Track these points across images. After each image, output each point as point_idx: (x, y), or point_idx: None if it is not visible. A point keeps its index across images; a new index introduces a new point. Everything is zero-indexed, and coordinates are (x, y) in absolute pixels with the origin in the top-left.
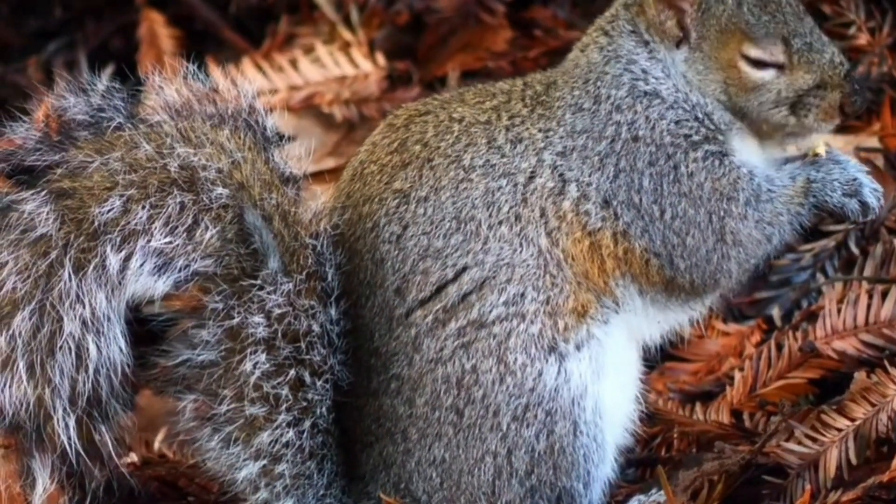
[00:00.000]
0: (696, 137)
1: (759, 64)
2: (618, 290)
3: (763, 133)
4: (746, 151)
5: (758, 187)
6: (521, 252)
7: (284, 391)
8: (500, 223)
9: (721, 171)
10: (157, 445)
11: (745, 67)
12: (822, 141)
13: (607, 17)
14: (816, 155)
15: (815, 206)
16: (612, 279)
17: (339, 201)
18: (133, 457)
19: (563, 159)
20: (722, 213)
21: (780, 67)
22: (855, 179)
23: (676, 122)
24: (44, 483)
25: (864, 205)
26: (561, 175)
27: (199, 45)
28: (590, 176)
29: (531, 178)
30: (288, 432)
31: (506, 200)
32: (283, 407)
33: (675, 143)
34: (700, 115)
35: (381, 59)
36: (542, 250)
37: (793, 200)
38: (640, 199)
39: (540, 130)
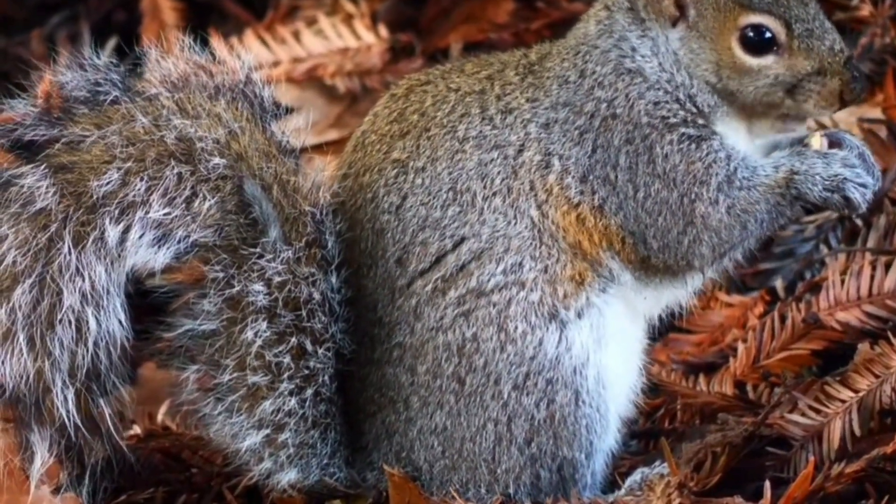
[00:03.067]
0: (672, 120)
1: (754, 48)
2: (610, 263)
3: (755, 115)
4: (731, 135)
5: (733, 172)
6: (515, 224)
7: (286, 359)
8: (494, 195)
9: (697, 154)
10: (160, 418)
11: (739, 52)
12: (819, 134)
13: None
14: (807, 145)
15: (796, 198)
16: (602, 251)
17: (341, 171)
18: (136, 429)
19: (546, 132)
20: (693, 196)
21: (778, 50)
22: (837, 175)
23: (655, 103)
24: (42, 456)
25: (847, 200)
26: (546, 149)
27: (202, 18)
28: (570, 150)
29: (520, 151)
30: (290, 401)
31: (498, 173)
32: (285, 375)
33: (651, 123)
34: (682, 97)
35: (383, 30)
36: (534, 222)
37: (773, 191)
38: (616, 176)
39: (528, 100)
